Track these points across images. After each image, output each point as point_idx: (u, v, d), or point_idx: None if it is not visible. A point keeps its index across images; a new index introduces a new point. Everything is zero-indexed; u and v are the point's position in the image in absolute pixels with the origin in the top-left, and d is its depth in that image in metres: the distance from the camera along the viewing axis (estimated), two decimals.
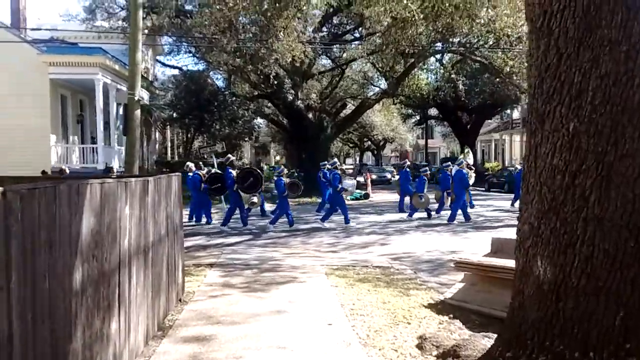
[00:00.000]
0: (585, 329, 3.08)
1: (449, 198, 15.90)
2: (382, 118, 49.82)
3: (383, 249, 10.79)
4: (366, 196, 24.98)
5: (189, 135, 31.68)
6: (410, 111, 50.69)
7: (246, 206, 15.27)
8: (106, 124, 22.95)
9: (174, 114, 29.38)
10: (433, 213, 16.41)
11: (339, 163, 17.12)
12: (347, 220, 14.67)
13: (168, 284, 5.24)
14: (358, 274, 8.03)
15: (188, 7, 25.33)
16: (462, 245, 10.85)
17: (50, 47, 22.09)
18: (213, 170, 17.05)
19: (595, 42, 3.00)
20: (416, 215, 16.36)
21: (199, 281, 7.27)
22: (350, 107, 34.20)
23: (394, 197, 23.96)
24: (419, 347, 4.81)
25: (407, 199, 17.82)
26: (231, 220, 14.82)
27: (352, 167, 65.84)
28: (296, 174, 32.75)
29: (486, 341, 4.79)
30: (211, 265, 8.53)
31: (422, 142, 64.27)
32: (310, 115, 28.55)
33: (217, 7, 16.21)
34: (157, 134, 33.42)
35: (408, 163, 20.07)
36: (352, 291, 6.82)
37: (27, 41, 21.82)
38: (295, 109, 26.94)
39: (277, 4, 15.25)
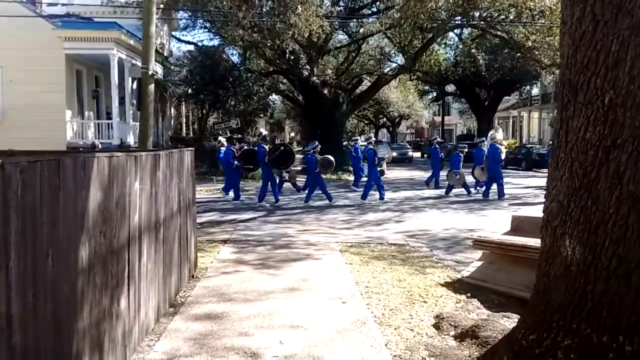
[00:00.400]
0: (616, 313, 2.91)
1: (483, 173, 15.78)
2: (399, 94, 49.32)
3: (398, 226, 10.65)
4: (381, 173, 24.77)
5: (203, 111, 31.48)
6: (427, 87, 50.10)
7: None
8: (121, 100, 22.89)
9: (189, 90, 29.22)
10: (472, 189, 16.29)
11: (373, 138, 17.09)
12: (381, 196, 14.79)
13: (180, 260, 5.16)
14: (373, 251, 7.90)
15: None
16: (479, 223, 10.66)
17: (66, 22, 21.95)
18: (245, 147, 17.08)
19: (635, 7, 2.77)
20: (433, 192, 16.16)
21: (212, 257, 7.19)
22: (366, 84, 33.77)
23: (409, 173, 23.81)
24: (436, 326, 4.68)
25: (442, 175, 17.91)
26: (244, 196, 14.74)
27: (365, 143, 65.33)
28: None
29: (505, 321, 4.65)
30: (224, 241, 8.45)
31: (438, 119, 63.57)
32: (325, 91, 28.27)
33: None
34: (172, 109, 33.36)
35: (438, 139, 19.87)
36: (367, 269, 6.70)
37: (42, 16, 21.72)
38: (310, 84, 26.65)
39: None
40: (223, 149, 16.20)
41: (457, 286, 5.99)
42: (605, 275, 2.95)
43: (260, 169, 15.23)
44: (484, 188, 15.53)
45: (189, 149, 5.84)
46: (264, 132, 16.87)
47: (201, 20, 29.57)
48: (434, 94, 52.40)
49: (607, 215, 2.92)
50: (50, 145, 17.01)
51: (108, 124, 22.53)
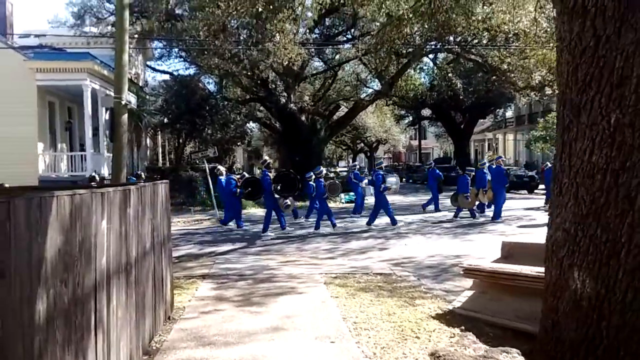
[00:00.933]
0: (634, 351, 2.66)
1: (485, 196, 15.82)
2: (375, 119, 49.56)
3: (382, 254, 10.37)
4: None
5: (180, 140, 31.09)
6: (403, 112, 50.52)
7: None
8: (95, 131, 22.46)
9: (165, 120, 28.87)
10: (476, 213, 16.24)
11: (384, 163, 16.84)
12: (393, 222, 14.50)
13: (155, 302, 4.79)
14: (359, 282, 7.59)
15: (178, 11, 24.91)
16: (464, 249, 10.45)
17: (38, 53, 21.60)
18: (247, 175, 17.15)
19: (639, 21, 2.59)
20: (413, 218, 15.99)
21: (190, 295, 6.81)
22: (343, 110, 33.84)
23: (392, 198, 23.63)
24: None
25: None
26: (225, 229, 14.39)
27: (345, 169, 65.46)
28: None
29: (505, 357, 4.38)
30: (203, 276, 8.06)
31: (415, 143, 64.09)
32: (303, 118, 28.17)
33: (210, 9, 15.81)
34: (148, 140, 32.91)
35: (432, 163, 20.00)
36: (354, 302, 6.39)
37: (14, 47, 21.33)
38: (287, 111, 26.52)
39: (270, 6, 14.84)
40: (222, 177, 16.08)
41: (449, 318, 5.71)
42: (620, 309, 2.71)
43: (264, 197, 15.03)
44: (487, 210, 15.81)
45: (164, 181, 5.52)
46: (268, 159, 16.66)
47: (176, 50, 29.48)
48: (410, 118, 52.85)
49: (619, 244, 2.69)
50: (21, 180, 16.47)
51: (82, 155, 22.00)
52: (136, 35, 25.91)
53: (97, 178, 13.65)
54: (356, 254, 10.44)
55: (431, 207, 18.39)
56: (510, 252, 6.27)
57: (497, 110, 49.31)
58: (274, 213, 14.22)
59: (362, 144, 66.98)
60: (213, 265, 9.06)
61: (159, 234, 5.02)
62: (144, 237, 4.37)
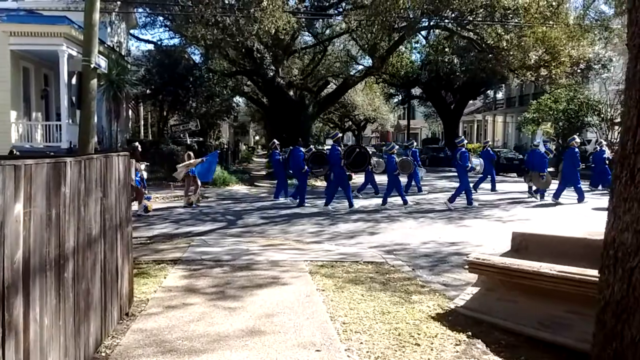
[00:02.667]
0: None
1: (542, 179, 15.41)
2: (364, 97, 48.71)
3: (373, 239, 9.62)
4: (349, 177, 23.81)
5: (163, 113, 29.92)
6: (393, 90, 49.62)
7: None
8: (72, 100, 21.33)
9: (148, 91, 27.68)
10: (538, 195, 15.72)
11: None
12: (469, 202, 14.06)
13: (105, 299, 3.97)
14: (348, 271, 6.83)
15: None
16: (460, 235, 9.73)
17: (11, 16, 20.30)
18: (314, 149, 16.85)
19: None
20: (412, 198, 15.21)
21: (157, 284, 5.99)
22: (332, 86, 32.90)
23: (379, 178, 22.83)
24: None
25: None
26: (204, 206, 13.57)
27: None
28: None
29: None
30: (174, 261, 7.23)
31: (403, 122, 63.31)
32: (291, 93, 27.20)
33: None
34: (130, 112, 31.70)
35: (490, 142, 19.02)
36: (343, 296, 5.63)
37: None
38: (275, 85, 25.52)
39: None
40: (278, 151, 16.34)
41: (451, 319, 4.97)
42: None
43: (332, 172, 14.47)
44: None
45: (122, 153, 4.65)
46: (339, 134, 15.93)
47: (161, 18, 28.22)
48: (400, 97, 51.93)
49: None
50: None
51: (57, 125, 20.93)
52: (118, 2, 24.61)
53: (16, 152, 12.60)
54: (344, 238, 9.68)
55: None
56: (523, 244, 5.51)
57: (488, 91, 48.62)
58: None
59: (350, 122, 66.18)
60: (187, 248, 8.23)
61: (113, 216, 4.17)
62: (88, 222, 3.53)
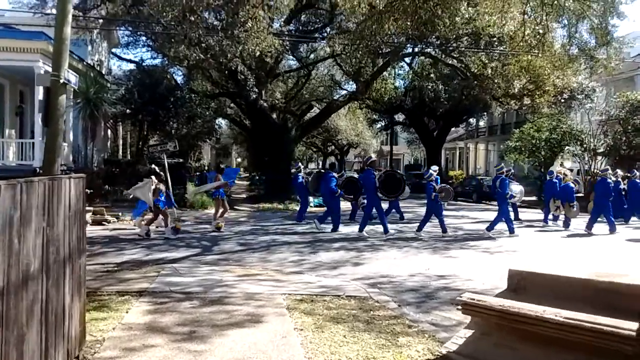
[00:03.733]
0: None
1: (557, 208, 15.84)
2: (348, 122, 48.69)
3: (357, 269, 9.09)
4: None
5: (142, 133, 29.27)
6: (376, 116, 49.63)
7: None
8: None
9: (127, 110, 27.07)
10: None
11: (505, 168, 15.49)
12: (510, 230, 13.96)
13: (45, 345, 3.39)
14: (329, 307, 6.30)
15: None
16: (448, 268, 9.24)
17: None
18: (347, 174, 16.86)
19: None
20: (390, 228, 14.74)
21: (117, 320, 5.39)
22: (315, 110, 32.67)
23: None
24: None
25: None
26: (185, 232, 12.99)
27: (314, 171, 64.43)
28: (257, 177, 30.89)
29: None
30: (140, 293, 6.62)
31: (386, 148, 63.28)
32: (274, 116, 26.85)
33: None
34: (108, 131, 31.03)
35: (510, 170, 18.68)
36: (323, 338, 5.10)
37: None
38: (258, 108, 25.14)
39: None
40: (301, 175, 16.37)
41: None
42: None
43: (367, 196, 14.01)
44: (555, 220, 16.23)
45: (79, 175, 4.12)
46: (374, 157, 15.52)
47: (144, 38, 27.85)
48: (383, 123, 51.93)
49: None
50: None
51: (31, 143, 20.25)
52: (100, 20, 24.17)
53: None
54: (326, 268, 9.13)
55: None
56: (521, 284, 5.02)
57: (471, 119, 48.86)
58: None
59: (332, 147, 66.07)
60: (156, 278, 7.62)
61: (61, 247, 3.62)
62: (25, 257, 2.99)
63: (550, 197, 16.35)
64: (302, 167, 17.80)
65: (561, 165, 18.61)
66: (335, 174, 15.08)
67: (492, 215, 15.79)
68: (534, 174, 31.52)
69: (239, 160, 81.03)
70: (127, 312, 5.73)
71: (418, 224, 13.78)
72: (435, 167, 14.68)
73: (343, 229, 14.43)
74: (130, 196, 14.07)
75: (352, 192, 15.23)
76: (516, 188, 16.11)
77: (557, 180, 16.44)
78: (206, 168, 37.65)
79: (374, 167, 14.41)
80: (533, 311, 4.22)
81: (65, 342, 3.83)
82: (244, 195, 27.47)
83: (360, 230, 13.45)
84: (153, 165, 15.07)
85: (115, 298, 6.29)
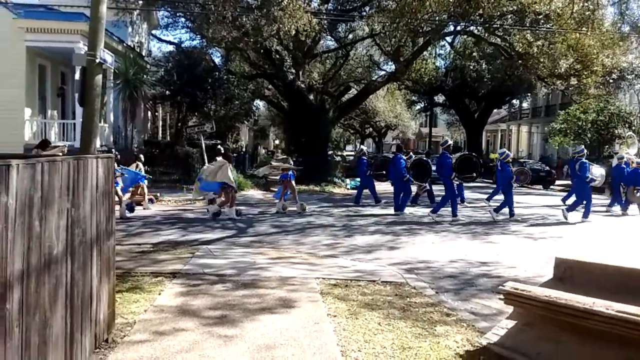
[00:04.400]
0: None
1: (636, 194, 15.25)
2: (386, 104, 48.01)
3: (392, 254, 8.88)
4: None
5: (180, 114, 29.50)
6: (415, 97, 48.80)
7: None
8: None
9: (166, 91, 27.31)
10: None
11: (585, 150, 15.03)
12: (586, 214, 13.50)
13: (71, 330, 3.32)
14: (364, 293, 6.12)
15: None
16: (489, 254, 8.92)
17: (28, 12, 20.05)
18: (414, 157, 16.80)
19: None
20: (408, 210, 14.41)
21: (149, 302, 5.35)
22: (353, 92, 32.25)
23: None
24: None
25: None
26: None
27: (352, 153, 64.24)
28: (294, 159, 30.83)
29: None
30: (173, 274, 6.59)
31: (425, 130, 62.31)
32: (311, 97, 26.61)
33: None
34: (148, 113, 31.41)
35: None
36: (357, 325, 4.93)
37: (2, 3, 19.78)
38: (295, 89, 24.93)
39: None
40: (365, 157, 16.55)
41: (484, 359, 4.24)
42: None
43: (444, 181, 13.88)
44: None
45: (105, 155, 4.03)
46: (450, 141, 15.48)
47: (183, 19, 27.93)
48: (422, 104, 51.02)
49: None
50: (4, 147, 15.14)
51: (73, 124, 20.64)
52: (140, 1, 24.32)
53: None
54: (361, 252, 8.95)
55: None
56: (568, 272, 4.72)
57: (514, 100, 47.51)
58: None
59: (370, 129, 65.45)
60: (190, 260, 7.59)
61: (87, 229, 3.54)
62: (47, 239, 2.90)
63: (619, 182, 15.86)
64: (365, 150, 18.04)
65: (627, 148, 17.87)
66: (403, 157, 15.00)
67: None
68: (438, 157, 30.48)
69: (277, 142, 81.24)
70: (159, 294, 5.69)
71: (496, 207, 13.60)
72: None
73: (381, 211, 14.20)
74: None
75: (420, 175, 15.05)
76: (597, 171, 15.51)
77: (625, 166, 15.85)
78: (242, 150, 37.76)
79: (449, 151, 14.30)
80: (582, 303, 3.93)
81: (93, 325, 3.77)
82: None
83: (434, 211, 13.31)
84: (219, 146, 15.43)
85: (148, 279, 6.27)
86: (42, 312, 2.87)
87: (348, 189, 22.20)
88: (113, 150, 16.14)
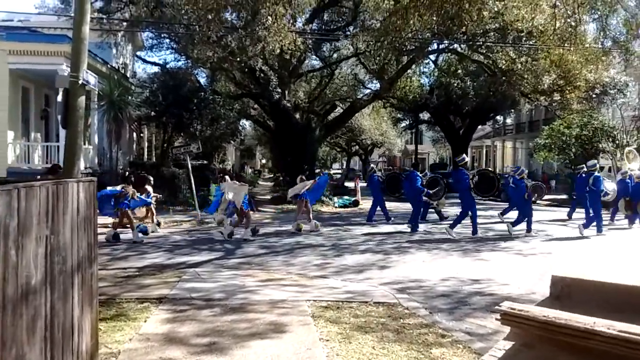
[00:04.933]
0: None
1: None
2: (372, 122, 48.27)
3: (384, 273, 8.75)
4: (356, 203, 22.97)
5: (166, 135, 29.32)
6: (400, 115, 49.06)
7: None
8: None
9: (152, 112, 27.14)
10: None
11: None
12: (599, 229, 13.56)
13: None
14: (356, 315, 5.98)
15: None
16: (481, 271, 8.82)
17: (11, 34, 19.93)
18: (430, 174, 17.38)
19: None
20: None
21: (134, 330, 5.16)
22: (339, 110, 32.34)
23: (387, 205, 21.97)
24: None
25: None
26: (199, 236, 12.77)
27: (339, 172, 64.29)
28: (281, 178, 30.70)
29: None
30: (160, 300, 6.39)
31: (410, 147, 62.63)
32: (297, 116, 26.58)
33: None
34: (134, 134, 31.19)
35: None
36: (351, 349, 4.78)
37: None
38: (281, 108, 24.90)
39: None
40: (376, 175, 17.07)
41: None
42: None
43: (461, 197, 13.83)
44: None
45: (85, 179, 3.88)
46: (467, 158, 15.45)
47: (167, 40, 27.90)
48: (408, 121, 51.30)
49: None
50: None
51: (57, 146, 20.39)
52: (124, 23, 24.27)
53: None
54: (352, 272, 8.80)
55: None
56: (565, 291, 4.61)
57: (498, 116, 47.96)
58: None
59: (357, 147, 65.64)
60: (177, 284, 7.39)
61: (68, 257, 3.38)
62: (24, 268, 2.74)
63: (622, 196, 16.02)
64: (375, 167, 18.53)
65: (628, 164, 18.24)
66: (419, 174, 15.18)
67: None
68: (564, 171, 30.70)
69: (264, 161, 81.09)
70: (145, 321, 5.50)
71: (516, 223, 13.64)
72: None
73: (365, 229, 14.11)
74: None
75: (434, 190, 15.68)
76: (609, 186, 15.62)
77: (629, 180, 15.95)
78: (230, 170, 37.59)
79: (465, 167, 14.36)
80: (582, 323, 3.82)
81: (75, 358, 3.58)
82: (268, 197, 27.25)
83: (452, 226, 13.20)
84: (247, 168, 15.64)
85: (134, 305, 6.07)
86: (19, 347, 2.70)
87: (336, 207, 22.09)
88: (127, 172, 16.05)
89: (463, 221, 13.38)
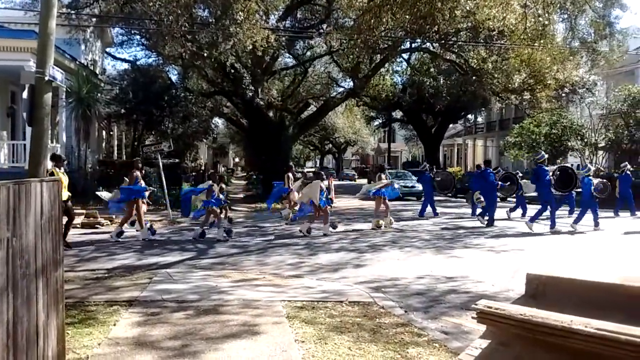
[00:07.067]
0: None
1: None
2: (345, 120, 48.42)
3: (358, 272, 8.70)
4: (329, 202, 22.85)
5: (136, 133, 28.78)
6: (373, 114, 49.26)
7: None
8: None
9: (122, 110, 26.60)
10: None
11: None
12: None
13: None
14: (331, 315, 5.91)
15: None
16: (455, 269, 8.85)
17: None
18: (502, 171, 18.31)
19: None
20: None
21: (103, 334, 4.99)
22: (312, 109, 32.28)
23: (360, 203, 22.03)
24: None
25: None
26: (170, 236, 12.53)
27: (312, 170, 64.26)
28: (254, 177, 30.45)
29: None
30: (130, 302, 6.21)
31: (384, 145, 62.96)
32: (270, 114, 26.43)
33: None
34: (103, 132, 30.56)
35: (628, 166, 18.43)
36: (327, 350, 4.70)
37: None
38: (255, 106, 24.69)
39: None
40: (429, 173, 18.20)
41: None
42: None
43: (540, 192, 14.43)
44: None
45: (48, 178, 3.72)
46: (545, 155, 15.98)
47: (138, 37, 27.42)
48: (381, 120, 51.54)
49: None
50: None
51: (23, 145, 19.83)
52: (94, 19, 23.70)
53: None
54: (327, 271, 8.73)
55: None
56: (540, 289, 4.61)
57: (469, 115, 48.52)
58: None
59: (330, 145, 65.76)
60: (148, 285, 7.20)
61: (31, 260, 3.22)
62: None
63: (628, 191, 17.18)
64: (427, 165, 19.41)
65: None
66: (491, 170, 16.04)
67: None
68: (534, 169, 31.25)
69: (237, 160, 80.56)
70: (114, 324, 5.32)
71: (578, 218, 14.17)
72: (590, 167, 15.51)
73: (343, 227, 14.10)
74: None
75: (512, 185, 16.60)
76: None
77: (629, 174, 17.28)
78: (201, 168, 37.20)
79: (545, 164, 14.77)
80: (559, 321, 3.82)
81: None
82: (241, 195, 27.04)
83: (532, 220, 13.88)
84: (220, 167, 15.31)
85: (102, 309, 5.88)
86: None
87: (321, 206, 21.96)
88: (210, 170, 15.82)
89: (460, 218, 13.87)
